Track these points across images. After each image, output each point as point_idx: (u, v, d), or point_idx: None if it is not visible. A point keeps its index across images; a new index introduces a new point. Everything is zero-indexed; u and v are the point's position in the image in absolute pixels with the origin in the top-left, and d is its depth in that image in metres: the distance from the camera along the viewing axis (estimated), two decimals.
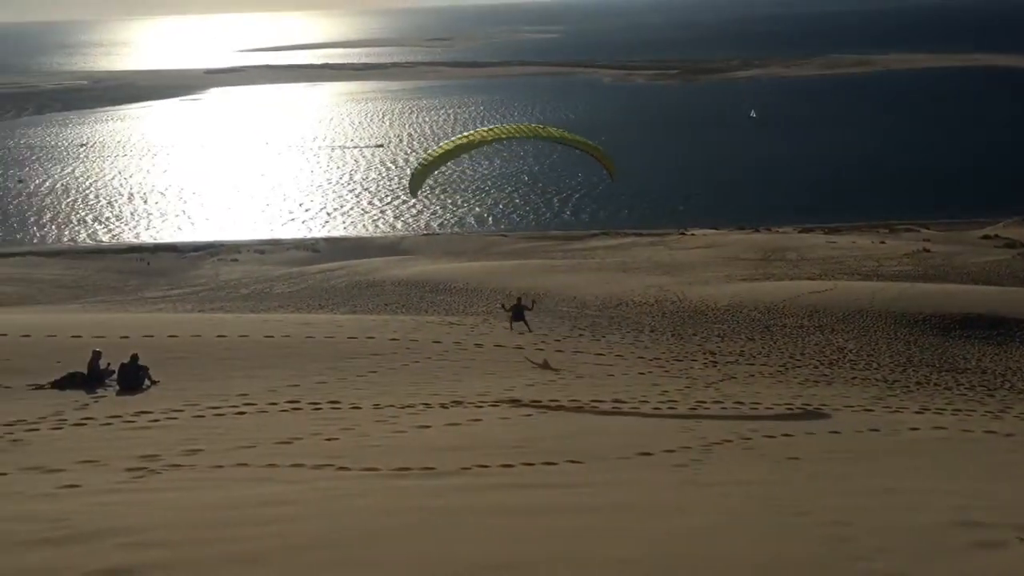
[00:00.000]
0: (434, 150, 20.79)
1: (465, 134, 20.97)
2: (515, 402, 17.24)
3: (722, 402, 18.01)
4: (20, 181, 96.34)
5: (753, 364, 23.49)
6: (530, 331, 25.75)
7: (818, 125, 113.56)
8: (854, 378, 22.28)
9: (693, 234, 60.71)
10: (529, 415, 16.10)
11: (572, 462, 11.00)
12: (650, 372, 21.82)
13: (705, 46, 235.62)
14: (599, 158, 21.16)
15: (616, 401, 17.84)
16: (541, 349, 24.00)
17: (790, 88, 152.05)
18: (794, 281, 37.26)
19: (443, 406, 16.53)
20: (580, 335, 26.94)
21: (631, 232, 65.47)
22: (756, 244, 51.77)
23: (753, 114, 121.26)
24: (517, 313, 25.99)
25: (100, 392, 17.52)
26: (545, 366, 22.35)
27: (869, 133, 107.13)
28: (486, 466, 10.45)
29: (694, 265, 44.32)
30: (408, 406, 16.42)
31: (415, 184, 20.90)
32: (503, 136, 20.89)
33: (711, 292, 34.34)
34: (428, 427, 14.40)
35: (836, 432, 14.82)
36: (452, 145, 20.24)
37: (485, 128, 20.91)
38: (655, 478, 10.02)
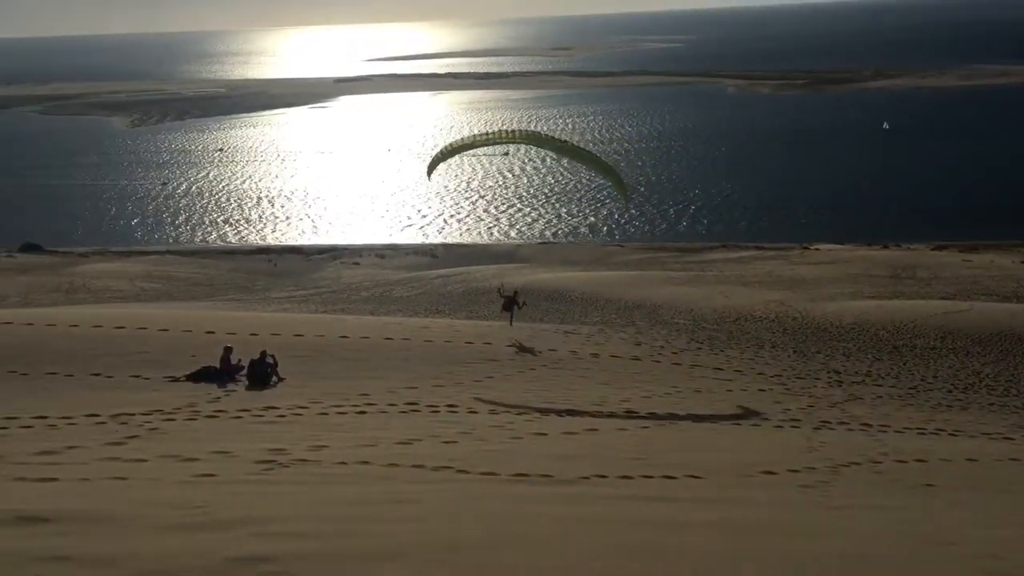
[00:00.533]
0: (454, 142, 22.48)
1: (486, 132, 22.99)
2: (632, 413, 17.08)
3: (848, 423, 17.39)
4: (164, 184, 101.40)
5: (881, 385, 22.57)
6: (511, 325, 26.92)
7: (955, 138, 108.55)
8: (991, 404, 21.13)
9: (817, 249, 58.91)
10: (646, 427, 15.92)
11: (692, 476, 10.79)
12: (771, 389, 21.26)
13: (835, 56, 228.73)
14: (612, 181, 22.84)
15: (736, 417, 17.46)
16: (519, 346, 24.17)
17: (925, 99, 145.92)
18: (926, 300, 35.65)
19: (559, 414, 16.52)
20: (698, 349, 26.47)
21: (751, 246, 64.00)
22: (885, 261, 49.82)
23: (886, 126, 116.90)
24: (508, 304, 27.24)
25: (231, 386, 18.22)
26: (520, 348, 23.68)
27: (1009, 147, 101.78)
28: (604, 476, 10.36)
29: (818, 281, 42.97)
30: (524, 413, 16.47)
31: (431, 168, 23.10)
32: (521, 141, 22.85)
33: (835, 309, 33.21)
34: (544, 434, 14.39)
35: (974, 460, 14.08)
36: (471, 140, 22.35)
37: (507, 130, 22.57)
38: (782, 497, 9.71)
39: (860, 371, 24.22)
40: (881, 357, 26.22)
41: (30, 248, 64.86)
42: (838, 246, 60.30)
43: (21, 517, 6.48)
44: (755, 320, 31.59)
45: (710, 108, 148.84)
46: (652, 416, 16.94)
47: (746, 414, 17.76)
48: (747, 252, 59.48)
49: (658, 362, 24.00)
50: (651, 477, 10.62)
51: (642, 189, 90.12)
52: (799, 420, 17.40)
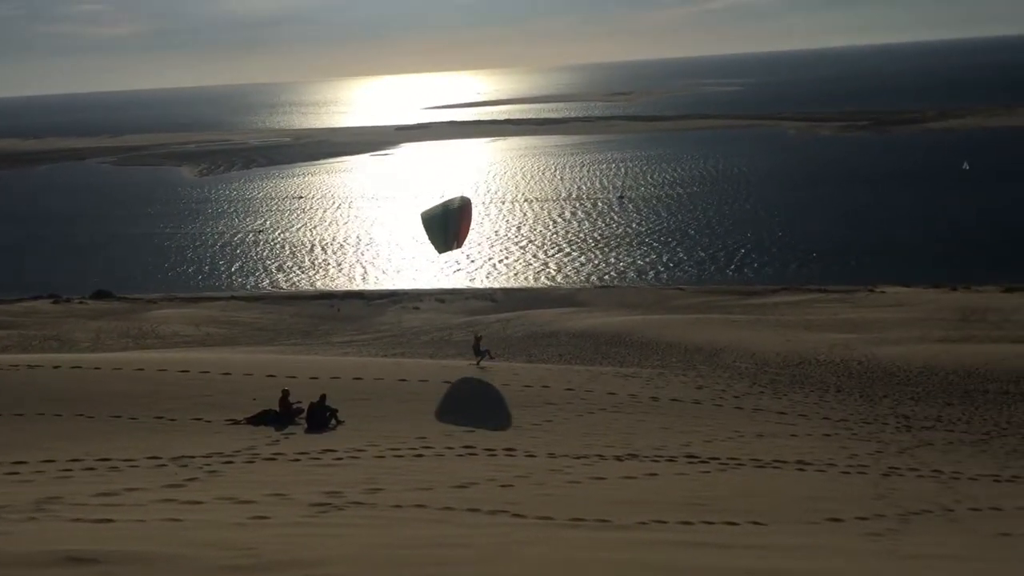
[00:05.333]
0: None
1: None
2: (692, 457, 16.72)
3: (918, 469, 16.78)
4: (260, 231, 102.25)
5: (952, 431, 21.79)
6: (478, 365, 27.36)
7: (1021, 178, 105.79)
8: None
9: (883, 291, 57.53)
10: (707, 472, 15.56)
11: (755, 523, 10.45)
12: (836, 434, 20.68)
13: (894, 97, 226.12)
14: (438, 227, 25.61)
15: (800, 462, 16.98)
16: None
17: (998, 139, 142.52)
18: (997, 344, 34.51)
19: (618, 458, 16.26)
20: (760, 392, 25.94)
21: (815, 288, 62.79)
22: (953, 304, 48.43)
23: (966, 166, 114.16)
24: (476, 348, 28.10)
25: (290, 429, 18.34)
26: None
27: None
28: (664, 521, 10.10)
29: (884, 324, 41.89)
30: (582, 456, 16.25)
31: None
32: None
33: (903, 352, 32.31)
34: (603, 479, 14.16)
35: None
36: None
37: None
38: (849, 546, 9.33)
39: (930, 416, 23.45)
40: (952, 402, 25.37)
41: (101, 295, 66.66)
42: (904, 288, 58.86)
43: (71, 558, 6.53)
44: (819, 364, 30.89)
45: (769, 151, 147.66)
46: (714, 460, 16.56)
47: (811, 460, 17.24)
48: (811, 295, 58.36)
49: (719, 406, 23.56)
50: (712, 523, 10.33)
51: (693, 233, 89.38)
52: (866, 466, 16.85)
